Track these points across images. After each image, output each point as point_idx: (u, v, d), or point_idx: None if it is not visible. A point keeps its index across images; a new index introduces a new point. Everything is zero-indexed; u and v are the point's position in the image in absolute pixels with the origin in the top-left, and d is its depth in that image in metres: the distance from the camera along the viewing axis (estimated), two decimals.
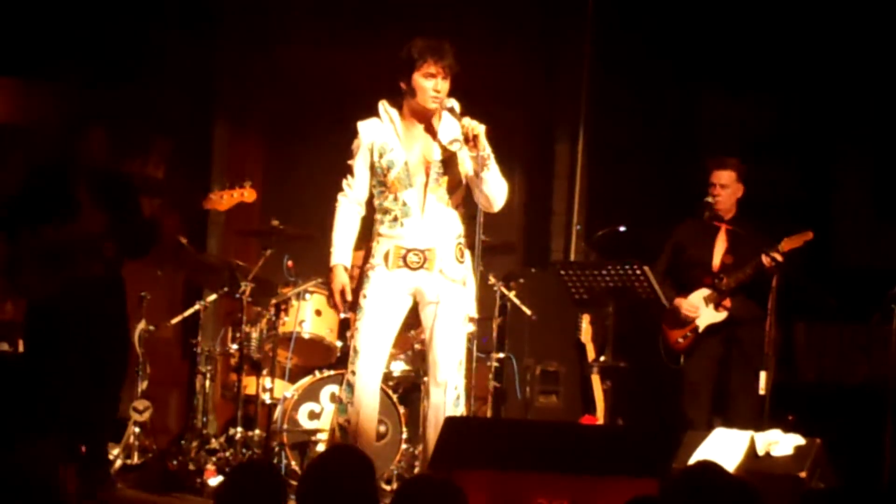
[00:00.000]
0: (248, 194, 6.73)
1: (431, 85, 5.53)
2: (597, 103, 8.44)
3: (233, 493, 3.69)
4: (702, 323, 7.00)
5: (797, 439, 5.71)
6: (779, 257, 6.67)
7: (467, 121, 5.51)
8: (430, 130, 5.65)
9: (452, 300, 5.62)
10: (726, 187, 6.99)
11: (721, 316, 6.98)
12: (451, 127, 5.63)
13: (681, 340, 7.06)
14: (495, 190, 5.58)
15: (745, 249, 6.93)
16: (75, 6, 8.39)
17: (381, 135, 5.65)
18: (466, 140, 5.51)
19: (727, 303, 6.97)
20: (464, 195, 5.70)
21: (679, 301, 6.98)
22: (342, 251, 5.72)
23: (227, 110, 8.80)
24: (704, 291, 7.01)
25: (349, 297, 5.69)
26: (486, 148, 5.48)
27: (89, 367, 6.35)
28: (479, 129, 5.48)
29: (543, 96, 8.56)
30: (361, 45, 8.22)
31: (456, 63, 5.56)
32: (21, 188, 6.67)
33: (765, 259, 6.71)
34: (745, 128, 8.32)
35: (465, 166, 5.64)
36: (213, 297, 7.49)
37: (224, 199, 6.75)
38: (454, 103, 5.59)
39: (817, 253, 7.05)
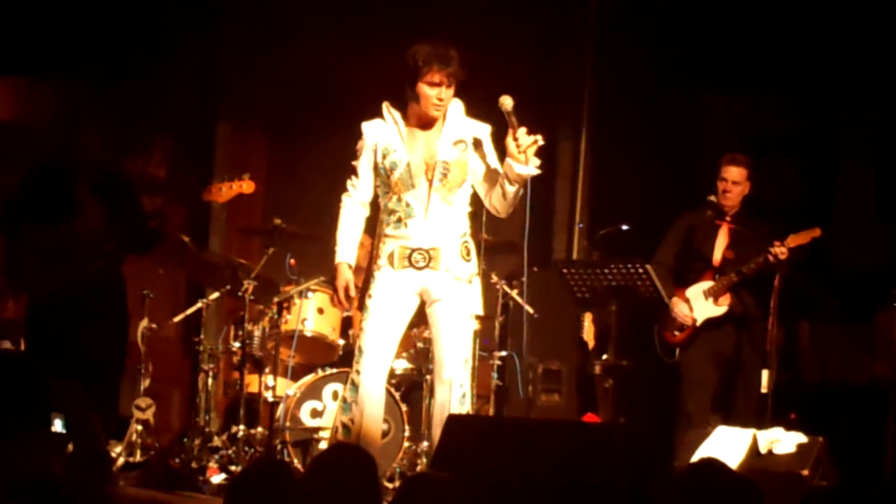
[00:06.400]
0: (246, 186, 6.75)
1: (435, 93, 5.51)
2: (599, 102, 8.44)
3: (244, 489, 3.69)
4: (700, 316, 7.02)
5: (799, 437, 5.73)
6: (784, 253, 6.68)
7: (523, 134, 5.41)
8: (435, 131, 5.63)
9: (458, 298, 5.62)
10: (738, 184, 7.03)
11: (720, 310, 7.00)
12: (457, 128, 5.62)
13: (676, 333, 7.07)
14: (515, 201, 5.58)
15: (746, 246, 6.95)
16: (79, 4, 8.40)
17: (384, 136, 5.64)
18: (515, 152, 5.41)
19: (727, 297, 6.99)
20: (470, 195, 5.70)
21: (675, 301, 6.99)
22: (346, 249, 5.71)
23: (231, 108, 8.81)
24: (705, 284, 7.04)
25: (353, 294, 5.69)
26: (534, 163, 5.40)
27: (89, 361, 6.36)
28: (538, 141, 5.41)
29: (545, 95, 8.55)
30: (365, 44, 8.22)
31: (461, 70, 5.51)
32: (22, 186, 6.68)
33: (770, 255, 6.73)
34: (748, 127, 8.32)
35: (473, 167, 5.63)
36: (215, 295, 7.50)
37: (223, 191, 6.77)
38: (510, 105, 5.44)
39: (819, 252, 7.06)
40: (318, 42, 8.48)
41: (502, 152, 5.54)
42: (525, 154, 5.40)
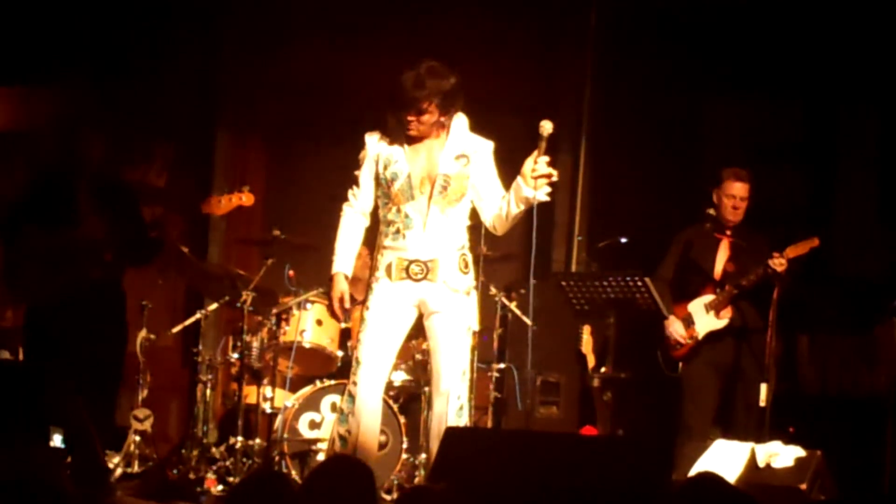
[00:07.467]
0: (245, 198, 6.75)
1: (410, 123, 5.52)
2: (599, 113, 8.43)
3: (242, 500, 3.69)
4: (702, 330, 7.01)
5: (798, 451, 5.72)
6: (783, 264, 6.67)
7: (543, 162, 5.42)
8: (437, 144, 5.62)
9: (456, 310, 5.61)
10: (745, 199, 7.03)
11: (722, 323, 6.99)
12: (460, 142, 5.61)
13: (679, 346, 7.06)
14: (514, 222, 5.60)
15: (747, 259, 6.94)
16: (77, 12, 8.41)
17: (386, 146, 5.64)
18: (528, 175, 5.43)
19: (728, 310, 6.98)
20: (469, 209, 5.69)
21: (670, 321, 6.99)
22: (343, 259, 5.71)
23: (230, 117, 8.81)
24: (706, 298, 7.03)
25: (348, 305, 5.68)
26: (543, 191, 5.45)
27: (87, 370, 6.35)
28: (553, 175, 5.44)
29: (545, 105, 8.54)
30: (365, 53, 8.22)
31: (435, 93, 5.43)
32: (22, 194, 6.69)
33: (769, 268, 6.72)
34: (748, 135, 8.31)
35: (472, 182, 5.62)
36: (214, 306, 7.49)
37: (222, 204, 6.78)
38: (548, 132, 5.46)
39: (818, 261, 7.05)
40: (319, 51, 8.48)
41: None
42: (535, 181, 5.41)
